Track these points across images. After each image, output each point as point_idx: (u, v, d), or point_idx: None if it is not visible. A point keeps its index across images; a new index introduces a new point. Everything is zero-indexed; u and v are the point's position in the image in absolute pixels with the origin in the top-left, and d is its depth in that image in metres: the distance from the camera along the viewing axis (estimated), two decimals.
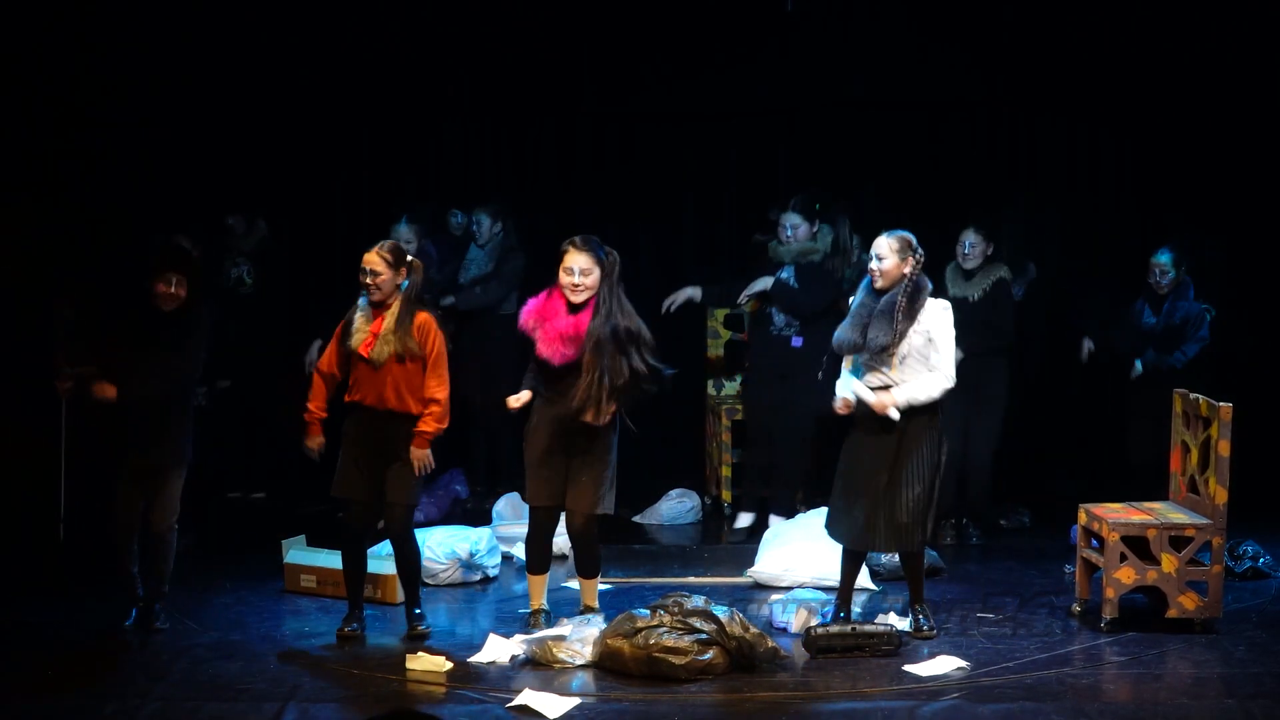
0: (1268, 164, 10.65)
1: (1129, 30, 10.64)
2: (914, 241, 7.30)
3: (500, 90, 11.08)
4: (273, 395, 10.23)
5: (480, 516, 9.35)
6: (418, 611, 7.45)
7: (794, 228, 9.39)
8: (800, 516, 8.93)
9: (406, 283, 7.31)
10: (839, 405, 7.30)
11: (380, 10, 10.83)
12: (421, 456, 7.22)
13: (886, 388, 7.20)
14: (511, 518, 9.32)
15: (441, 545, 8.31)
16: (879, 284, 7.27)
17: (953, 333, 7.30)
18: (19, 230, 9.07)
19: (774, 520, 9.14)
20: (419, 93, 11.06)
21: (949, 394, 7.28)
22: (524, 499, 7.49)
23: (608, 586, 8.39)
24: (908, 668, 6.91)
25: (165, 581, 7.47)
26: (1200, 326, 9.29)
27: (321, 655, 7.19)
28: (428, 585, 8.11)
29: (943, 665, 6.94)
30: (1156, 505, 7.81)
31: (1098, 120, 11.00)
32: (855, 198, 10.38)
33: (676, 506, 9.99)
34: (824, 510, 8.81)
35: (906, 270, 7.24)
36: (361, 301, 7.34)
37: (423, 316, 7.26)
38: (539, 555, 7.44)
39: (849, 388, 7.27)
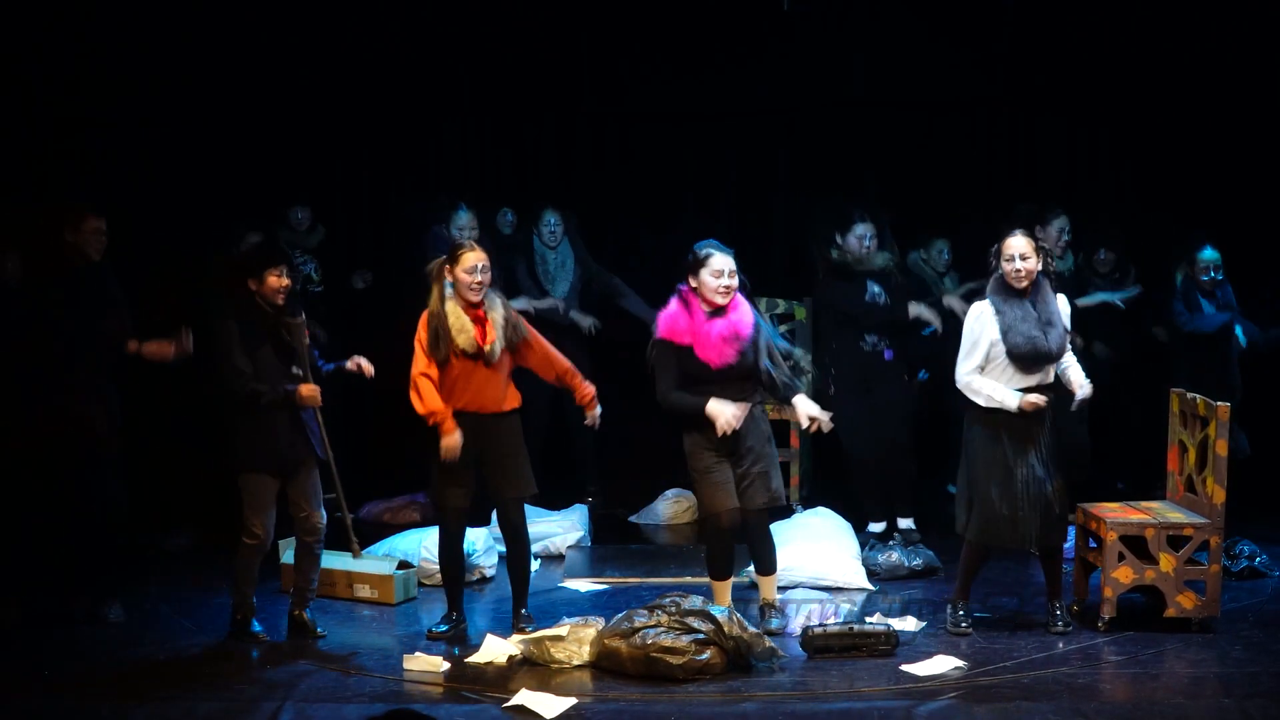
0: (1268, 163, 10.65)
1: (1130, 29, 10.64)
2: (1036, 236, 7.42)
3: (500, 90, 11.08)
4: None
5: (479, 517, 9.34)
6: (525, 612, 7.48)
7: (873, 237, 9.19)
8: (798, 516, 8.95)
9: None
10: (1025, 404, 7.24)
11: (380, 10, 10.84)
12: (591, 410, 7.47)
13: (1038, 387, 7.26)
14: None
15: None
16: (1023, 284, 7.28)
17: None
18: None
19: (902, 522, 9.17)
20: (419, 92, 11.06)
21: None
22: (708, 509, 7.44)
23: (604, 586, 8.41)
24: (905, 667, 6.92)
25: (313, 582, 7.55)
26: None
27: (319, 655, 7.19)
28: (425, 585, 8.11)
29: (940, 665, 6.94)
30: (1154, 505, 7.82)
31: (1098, 119, 10.99)
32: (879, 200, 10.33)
33: (674, 507, 10.00)
34: (823, 510, 8.89)
35: (1040, 266, 7.34)
36: (448, 300, 7.25)
37: (510, 307, 7.39)
38: (727, 561, 7.48)
39: (1014, 396, 7.23)
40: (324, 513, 7.44)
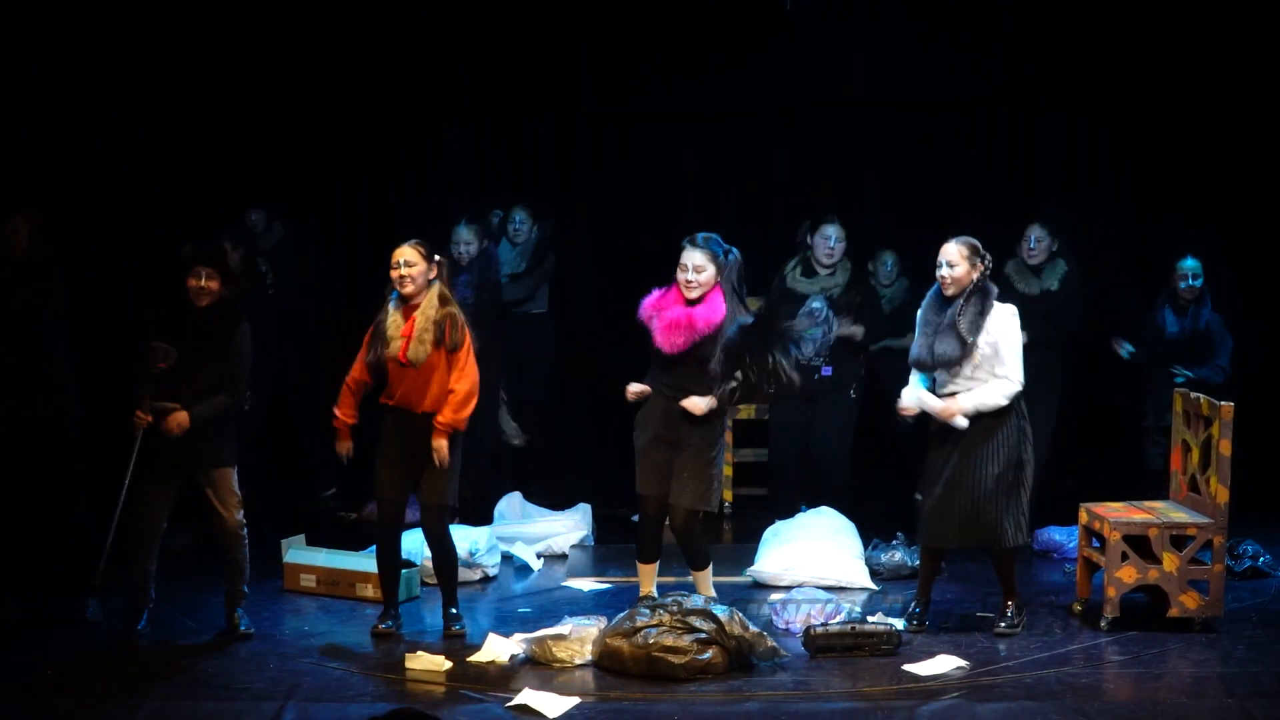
0: (1268, 163, 10.65)
1: (1130, 28, 10.63)
2: (980, 246, 7.34)
3: (500, 90, 11.07)
4: (290, 397, 10.27)
5: (480, 516, 9.34)
6: (454, 611, 7.48)
7: (839, 240, 9.29)
8: (800, 516, 8.93)
9: (436, 280, 7.31)
10: (902, 409, 7.37)
11: (380, 10, 10.84)
12: (440, 448, 7.23)
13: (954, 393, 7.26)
14: (512, 518, 9.33)
15: None
16: (949, 291, 7.29)
17: (1020, 337, 7.30)
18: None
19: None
20: (419, 92, 11.05)
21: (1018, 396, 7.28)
22: (637, 489, 7.53)
23: (607, 586, 8.40)
24: (907, 667, 6.91)
25: (244, 584, 7.49)
26: (1224, 335, 9.42)
27: (321, 654, 7.18)
28: (427, 584, 8.10)
29: (942, 665, 6.94)
30: (1157, 504, 7.81)
31: (1098, 118, 10.98)
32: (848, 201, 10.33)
33: None
34: (826, 510, 8.90)
35: (975, 276, 7.28)
36: (392, 302, 7.31)
37: (453, 310, 7.30)
38: (648, 544, 7.55)
39: (915, 396, 7.31)
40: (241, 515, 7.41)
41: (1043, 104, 10.99)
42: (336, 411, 7.42)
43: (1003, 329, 7.23)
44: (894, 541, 8.62)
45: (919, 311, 7.45)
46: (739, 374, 7.32)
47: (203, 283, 7.23)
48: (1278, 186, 10.70)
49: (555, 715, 6.39)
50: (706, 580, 7.57)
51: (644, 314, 7.40)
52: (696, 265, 7.30)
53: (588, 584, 8.45)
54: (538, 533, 9.14)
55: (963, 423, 7.19)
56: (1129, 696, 6.65)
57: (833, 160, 11.14)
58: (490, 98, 11.11)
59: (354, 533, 9.35)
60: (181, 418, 7.15)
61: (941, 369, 7.27)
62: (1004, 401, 7.20)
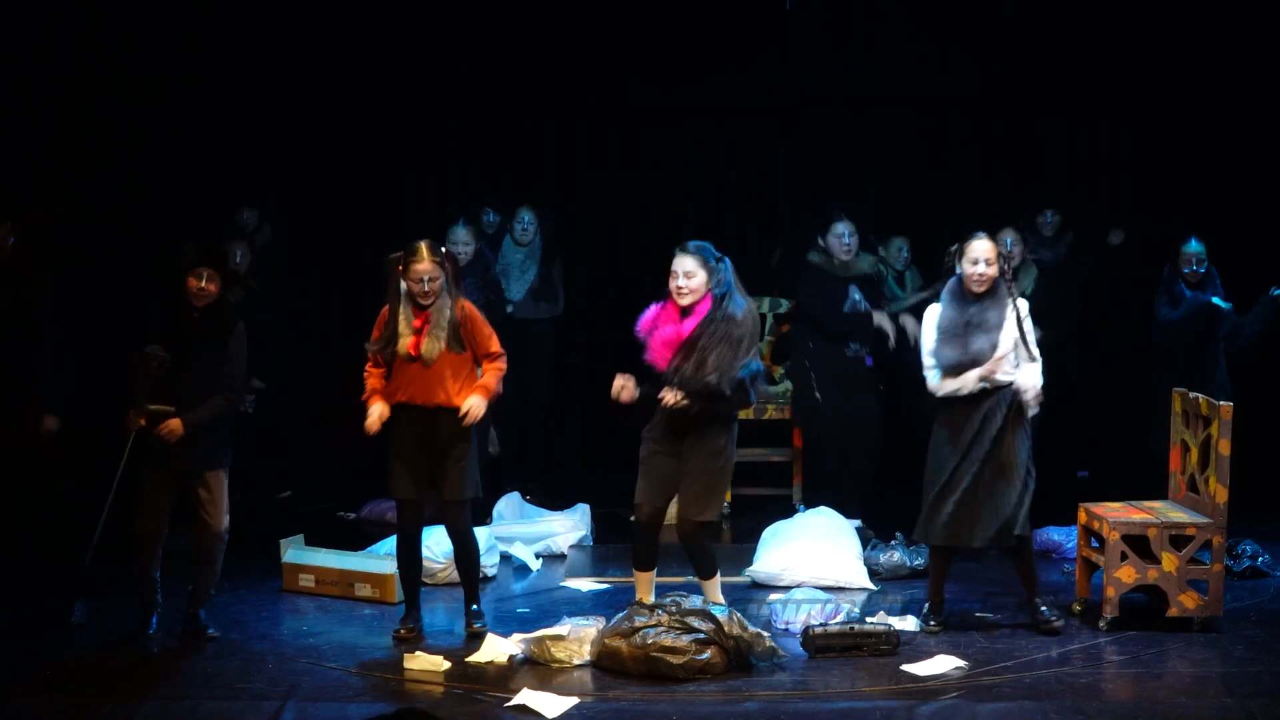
0: (1269, 162, 10.65)
1: (1131, 27, 10.63)
2: (1007, 243, 7.31)
3: (500, 89, 11.07)
4: (278, 396, 10.26)
5: (478, 516, 9.33)
6: (475, 608, 7.46)
7: (853, 236, 9.32)
8: (799, 516, 8.94)
9: (443, 276, 7.29)
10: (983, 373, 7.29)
11: (380, 10, 10.84)
12: (477, 406, 7.19)
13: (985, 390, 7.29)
14: (511, 518, 9.33)
15: (440, 544, 8.29)
16: (980, 289, 7.29)
17: (1034, 334, 7.37)
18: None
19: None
20: (419, 91, 11.05)
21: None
22: (635, 497, 7.50)
23: (606, 586, 8.40)
24: (906, 667, 6.90)
25: (212, 587, 7.48)
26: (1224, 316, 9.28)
27: (320, 654, 7.18)
28: (425, 585, 8.09)
29: (941, 665, 6.93)
30: (1156, 504, 7.81)
31: (1100, 116, 10.98)
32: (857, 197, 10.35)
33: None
34: (825, 510, 8.88)
35: (999, 272, 7.33)
36: (402, 303, 7.26)
37: (462, 303, 7.29)
38: (644, 553, 7.51)
39: (971, 376, 7.26)
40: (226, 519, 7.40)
41: (1043, 102, 10.98)
42: (368, 386, 7.31)
43: (1025, 323, 7.31)
44: (893, 541, 8.62)
45: (939, 314, 7.38)
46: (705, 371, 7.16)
47: (204, 283, 7.21)
48: (1277, 185, 10.69)
49: (554, 715, 6.38)
50: (715, 588, 7.51)
51: (640, 331, 7.36)
52: (687, 271, 7.24)
53: (586, 584, 8.45)
54: (536, 533, 9.14)
55: (1035, 407, 7.25)
56: (1128, 696, 6.64)
57: (833, 160, 11.14)
58: (490, 97, 11.11)
59: (353, 533, 9.36)
60: (175, 425, 7.13)
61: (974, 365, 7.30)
62: (1041, 380, 7.26)
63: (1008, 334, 7.27)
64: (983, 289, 7.30)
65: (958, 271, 7.38)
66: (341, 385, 11.19)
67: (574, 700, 6.50)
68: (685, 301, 7.26)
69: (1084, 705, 6.43)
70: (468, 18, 10.88)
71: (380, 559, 8.17)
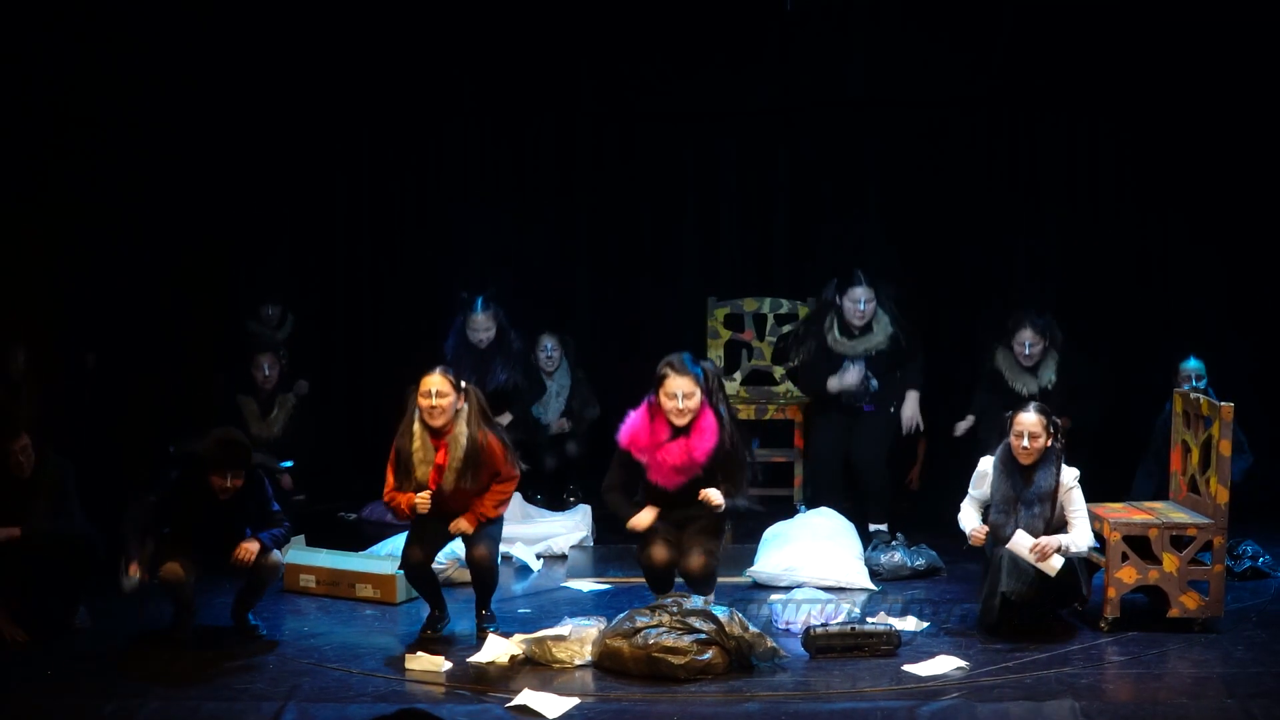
0: (1269, 163, 10.65)
1: (1131, 28, 10.62)
2: (1050, 412, 7.46)
3: (500, 90, 11.06)
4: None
5: None
6: (486, 612, 7.46)
7: (869, 302, 9.34)
8: (800, 516, 8.94)
9: (465, 408, 7.26)
10: (971, 537, 7.45)
11: (380, 10, 10.83)
12: (462, 527, 7.23)
13: None
14: (512, 519, 9.30)
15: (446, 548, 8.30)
16: (1028, 460, 7.35)
17: (1084, 501, 7.41)
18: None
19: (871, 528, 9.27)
20: (419, 92, 11.04)
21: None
22: (639, 559, 7.47)
23: (607, 586, 8.40)
24: (907, 667, 6.91)
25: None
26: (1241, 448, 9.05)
27: (321, 655, 7.18)
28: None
29: (942, 665, 6.93)
30: (1157, 505, 7.81)
31: (1099, 118, 10.97)
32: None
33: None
34: (826, 510, 8.89)
35: (1048, 443, 7.36)
36: (416, 423, 7.24)
37: (484, 439, 7.25)
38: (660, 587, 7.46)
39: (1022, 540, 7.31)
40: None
41: (1043, 104, 10.98)
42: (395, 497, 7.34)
43: (1070, 497, 7.37)
44: (894, 542, 8.62)
45: (991, 480, 7.46)
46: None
47: (228, 483, 7.20)
48: (1277, 185, 10.69)
49: (555, 716, 6.38)
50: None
51: (637, 452, 7.28)
52: (686, 392, 7.21)
53: (587, 584, 8.45)
54: (538, 533, 9.14)
55: (1058, 562, 7.24)
56: (1129, 697, 6.64)
57: (833, 160, 11.13)
58: (490, 98, 11.10)
59: (354, 533, 9.36)
60: (252, 544, 7.23)
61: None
62: (1086, 549, 7.35)
63: (1056, 503, 7.36)
64: (1030, 461, 7.36)
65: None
66: (342, 385, 11.31)
67: (575, 701, 6.51)
68: (683, 422, 7.23)
69: (1085, 706, 6.43)
70: (468, 18, 10.87)
71: (381, 559, 8.17)
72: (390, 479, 7.35)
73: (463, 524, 7.25)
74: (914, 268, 10.80)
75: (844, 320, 9.40)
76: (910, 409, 9.40)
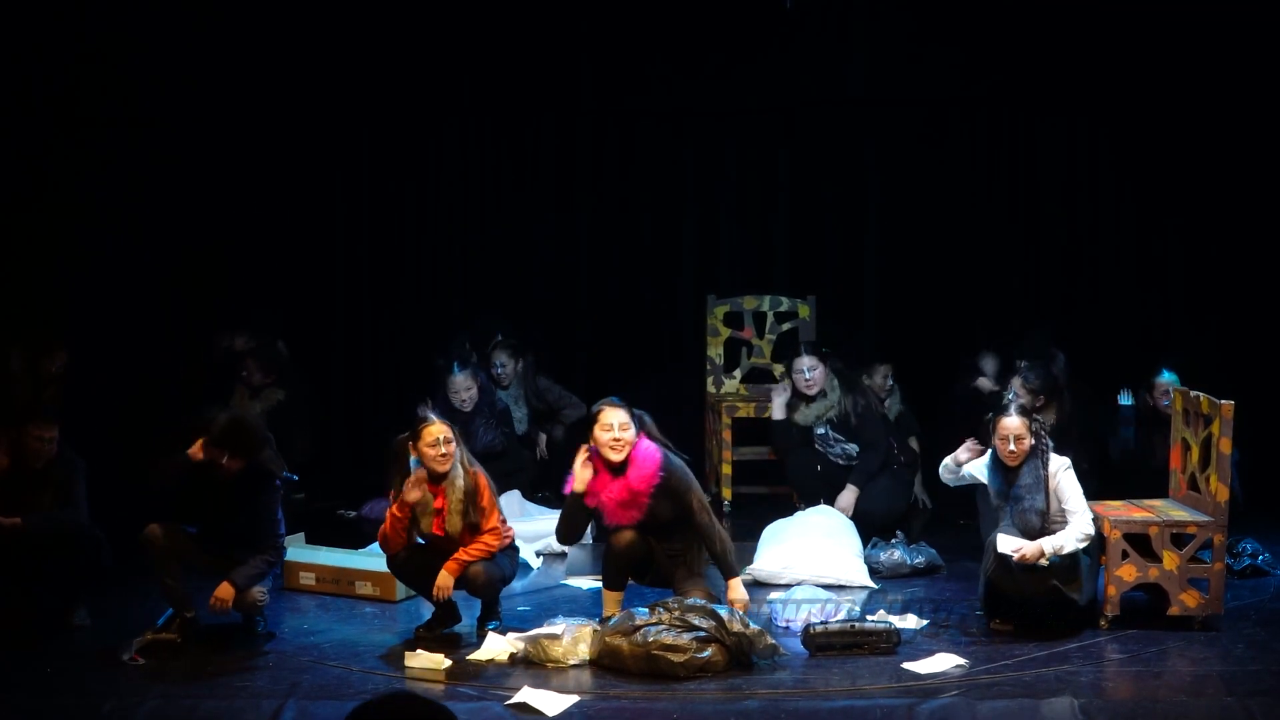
0: (1268, 164, 10.66)
1: (1131, 28, 10.64)
2: (1031, 412, 7.54)
3: (500, 90, 11.07)
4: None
5: None
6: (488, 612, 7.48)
7: (811, 369, 9.33)
8: (799, 514, 8.94)
9: (456, 449, 7.28)
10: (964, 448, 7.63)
11: (380, 10, 10.84)
12: (445, 585, 7.18)
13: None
14: (512, 516, 9.29)
15: None
16: (1014, 463, 7.39)
17: (1079, 487, 7.40)
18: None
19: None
20: (419, 92, 11.05)
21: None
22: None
23: None
24: (907, 665, 6.90)
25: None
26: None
27: (321, 652, 7.18)
28: None
29: (942, 663, 6.93)
30: (1157, 503, 7.81)
31: (1098, 118, 10.99)
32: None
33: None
34: (826, 509, 8.90)
35: (1033, 443, 7.39)
36: (413, 465, 7.21)
37: (475, 474, 7.28)
38: (615, 574, 7.46)
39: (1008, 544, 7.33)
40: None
41: (1043, 104, 10.99)
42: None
43: (1064, 486, 7.37)
44: (893, 540, 8.62)
45: (986, 483, 7.53)
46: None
47: (224, 461, 7.16)
48: (1277, 186, 10.70)
49: (554, 713, 6.38)
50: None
51: (587, 498, 7.29)
52: (621, 423, 7.24)
53: (587, 582, 8.44)
54: (537, 531, 9.12)
55: (1044, 560, 7.24)
56: (1129, 695, 6.64)
57: (833, 160, 11.14)
58: (490, 98, 11.11)
59: (353, 531, 9.36)
60: (224, 594, 7.13)
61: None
62: (1078, 545, 7.27)
63: (1051, 497, 7.37)
64: (1016, 463, 7.39)
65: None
66: (341, 384, 11.32)
67: (574, 698, 6.50)
68: (619, 456, 7.24)
69: (1084, 703, 6.43)
70: (467, 18, 10.88)
71: (380, 557, 8.16)
72: (391, 522, 7.28)
73: (445, 580, 7.18)
74: (914, 268, 10.81)
75: (796, 390, 9.44)
76: (844, 503, 9.20)
